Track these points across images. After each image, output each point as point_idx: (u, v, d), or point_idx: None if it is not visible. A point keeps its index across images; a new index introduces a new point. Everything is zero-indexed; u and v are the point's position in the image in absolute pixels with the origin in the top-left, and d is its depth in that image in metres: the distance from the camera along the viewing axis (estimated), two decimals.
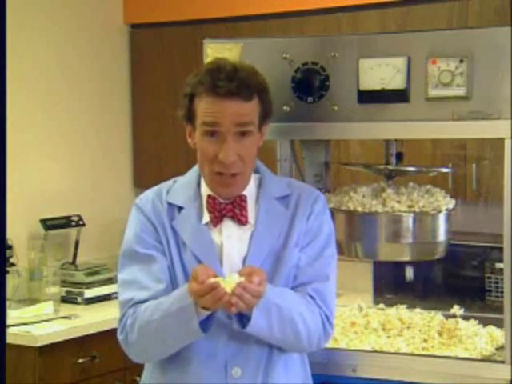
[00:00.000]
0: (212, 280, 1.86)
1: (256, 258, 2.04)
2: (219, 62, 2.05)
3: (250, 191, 2.10)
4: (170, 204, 2.10)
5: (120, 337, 2.07)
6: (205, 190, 2.10)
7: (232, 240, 2.06)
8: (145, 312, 2.00)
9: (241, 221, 2.06)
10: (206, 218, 2.07)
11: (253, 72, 2.05)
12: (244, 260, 2.05)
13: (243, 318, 1.96)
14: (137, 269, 2.06)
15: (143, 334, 2.00)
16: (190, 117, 2.06)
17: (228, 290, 1.85)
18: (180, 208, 2.09)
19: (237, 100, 1.99)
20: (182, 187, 2.13)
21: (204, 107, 2.01)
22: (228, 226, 2.07)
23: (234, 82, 1.98)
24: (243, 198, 2.07)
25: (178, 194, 2.12)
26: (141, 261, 2.06)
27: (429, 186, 2.42)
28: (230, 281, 1.87)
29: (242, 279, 1.87)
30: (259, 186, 2.13)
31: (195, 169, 2.16)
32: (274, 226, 2.07)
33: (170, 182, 2.17)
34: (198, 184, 2.12)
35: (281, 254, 2.06)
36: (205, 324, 1.94)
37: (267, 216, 2.07)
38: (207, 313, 1.93)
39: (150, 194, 2.15)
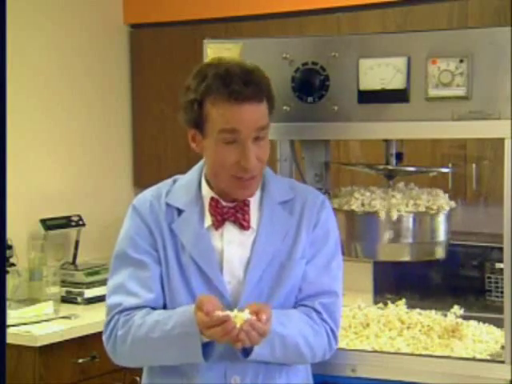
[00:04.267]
0: (222, 313, 1.84)
1: (258, 264, 2.00)
2: (224, 64, 1.96)
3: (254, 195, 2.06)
4: (168, 205, 2.05)
5: (107, 346, 2.04)
6: (207, 192, 2.05)
7: (233, 245, 2.02)
8: (140, 327, 1.97)
9: (242, 225, 2.02)
10: (208, 221, 2.03)
11: (260, 71, 1.99)
12: (246, 266, 2.01)
13: (246, 347, 1.92)
14: (127, 273, 2.03)
15: (137, 348, 1.98)
16: (199, 123, 1.98)
17: (236, 324, 1.83)
18: (180, 210, 2.04)
19: (253, 103, 1.93)
20: (183, 188, 2.08)
21: (220, 114, 1.92)
22: (229, 230, 2.03)
23: (249, 86, 1.92)
24: (246, 203, 2.03)
25: (178, 196, 2.06)
26: (132, 265, 2.03)
27: (429, 189, 2.43)
28: (238, 316, 1.84)
29: (249, 316, 1.84)
30: (262, 188, 2.08)
31: (196, 168, 2.11)
32: (277, 232, 2.03)
33: (169, 182, 2.11)
34: (199, 185, 2.07)
35: (286, 264, 2.02)
36: (206, 349, 1.92)
37: (270, 222, 2.03)
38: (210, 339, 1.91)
39: (148, 194, 2.10)
